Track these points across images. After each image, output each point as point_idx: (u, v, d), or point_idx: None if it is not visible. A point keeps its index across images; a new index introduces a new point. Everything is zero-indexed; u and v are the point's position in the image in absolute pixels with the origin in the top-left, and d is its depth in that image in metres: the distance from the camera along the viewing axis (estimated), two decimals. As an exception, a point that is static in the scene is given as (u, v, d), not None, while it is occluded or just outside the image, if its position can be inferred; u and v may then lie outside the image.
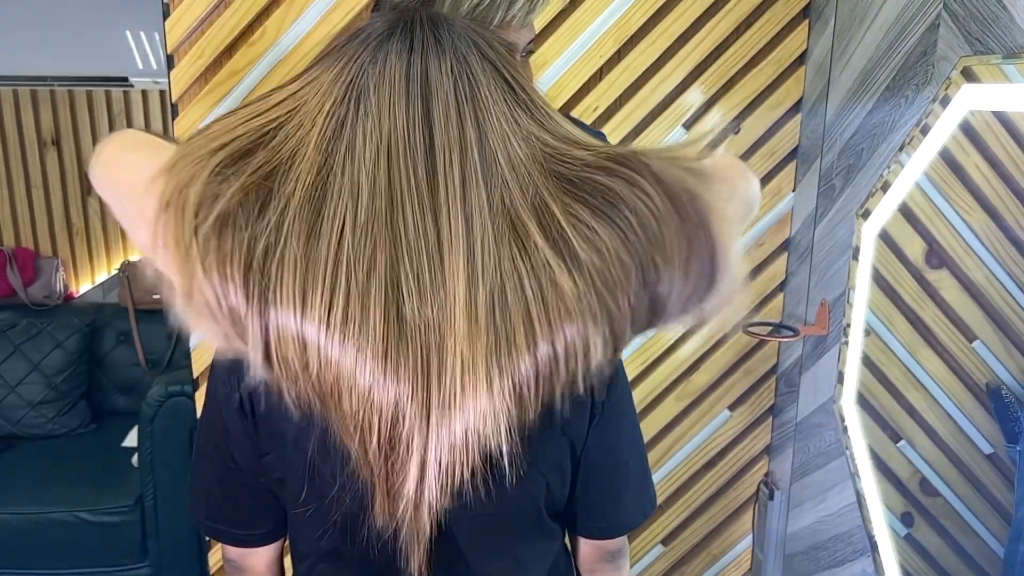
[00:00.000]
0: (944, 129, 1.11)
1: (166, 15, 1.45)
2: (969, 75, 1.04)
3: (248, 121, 0.61)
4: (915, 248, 1.22)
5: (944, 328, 1.19)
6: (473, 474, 0.57)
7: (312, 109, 0.60)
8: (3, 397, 2.61)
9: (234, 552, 0.81)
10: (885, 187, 1.23)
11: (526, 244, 0.57)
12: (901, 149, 1.19)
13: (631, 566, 1.61)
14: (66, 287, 2.95)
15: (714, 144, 1.63)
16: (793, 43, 1.58)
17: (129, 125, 2.85)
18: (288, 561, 0.83)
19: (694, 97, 1.60)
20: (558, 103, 1.57)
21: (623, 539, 0.84)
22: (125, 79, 2.63)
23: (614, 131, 1.60)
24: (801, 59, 1.60)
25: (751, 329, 1.64)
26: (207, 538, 1.77)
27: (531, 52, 0.87)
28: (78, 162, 2.90)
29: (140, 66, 2.62)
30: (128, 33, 2.58)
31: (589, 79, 1.57)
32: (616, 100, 1.59)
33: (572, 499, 0.79)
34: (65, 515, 2.24)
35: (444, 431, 0.55)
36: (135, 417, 2.24)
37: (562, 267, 0.55)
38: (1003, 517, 1.12)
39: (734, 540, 1.87)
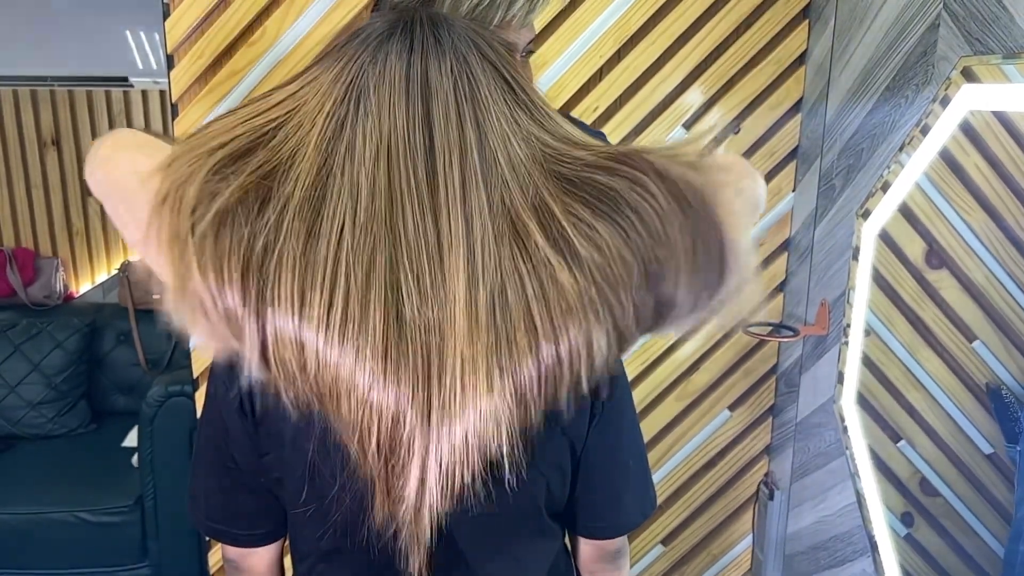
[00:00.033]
0: (944, 129, 1.11)
1: (166, 15, 1.45)
2: (969, 75, 1.04)
3: (247, 121, 0.61)
4: (915, 248, 1.22)
5: (944, 328, 1.19)
6: (474, 477, 0.56)
7: (312, 109, 0.60)
8: (3, 397, 2.61)
9: (234, 552, 0.81)
10: (885, 187, 1.23)
11: (526, 244, 0.56)
12: (901, 149, 1.19)
13: (631, 566, 1.61)
14: (66, 287, 2.95)
15: (715, 143, 1.63)
16: (793, 43, 1.58)
17: (129, 125, 2.85)
18: (288, 561, 0.83)
19: (694, 97, 1.60)
20: (558, 103, 1.57)
21: (623, 539, 0.84)
22: (125, 79, 2.63)
23: (614, 131, 1.60)
24: (801, 59, 1.60)
25: (751, 329, 1.64)
26: (207, 538, 1.77)
27: (531, 52, 0.87)
28: (78, 162, 2.90)
29: (140, 66, 2.62)
30: (128, 33, 2.58)
31: (589, 79, 1.57)
32: (616, 100, 1.59)
33: (572, 499, 0.79)
34: (65, 515, 2.24)
35: (445, 433, 0.54)
36: (135, 417, 2.24)
37: (562, 264, 0.55)
38: (1003, 517, 1.12)
39: (734, 540, 1.87)
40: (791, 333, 1.57)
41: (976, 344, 1.15)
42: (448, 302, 0.55)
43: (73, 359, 2.67)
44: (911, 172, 1.18)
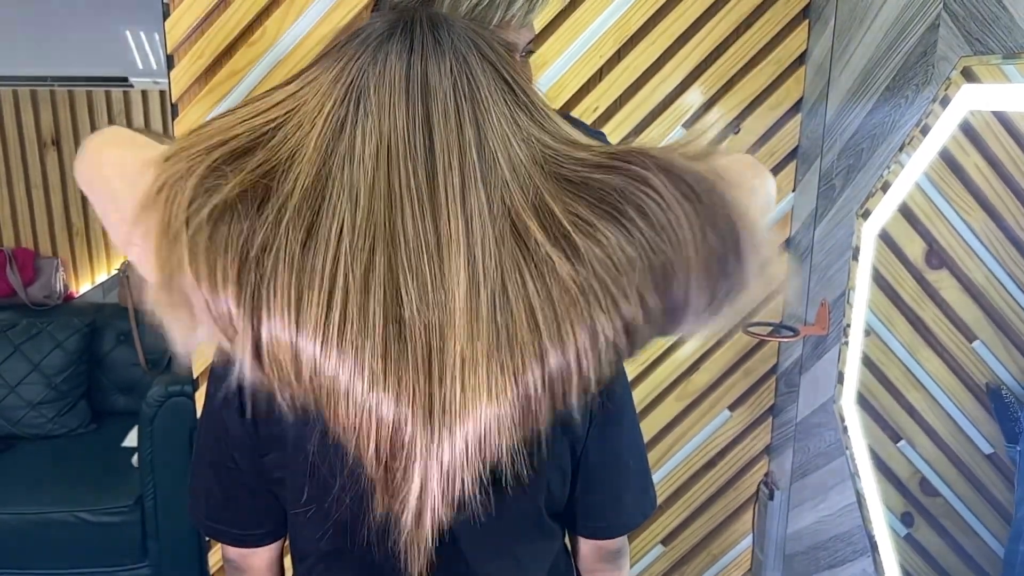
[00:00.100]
0: (944, 129, 1.11)
1: (166, 15, 1.45)
2: (969, 75, 1.04)
3: (247, 120, 0.61)
4: (915, 248, 1.22)
5: (944, 328, 1.19)
6: (476, 480, 0.55)
7: (312, 110, 0.60)
8: (3, 397, 2.61)
9: (234, 552, 0.81)
10: (885, 187, 1.23)
11: (527, 243, 0.56)
12: (901, 149, 1.19)
13: (631, 566, 1.61)
14: (66, 287, 2.95)
15: (716, 142, 1.63)
16: (793, 43, 1.58)
17: (129, 125, 2.84)
18: (288, 561, 0.83)
19: (694, 97, 1.60)
20: (558, 103, 1.57)
21: (623, 539, 0.84)
22: (125, 79, 2.63)
23: (614, 131, 1.60)
24: (801, 59, 1.60)
25: (751, 329, 1.63)
26: (207, 538, 1.77)
27: (531, 52, 0.87)
28: (78, 162, 2.90)
29: (140, 66, 2.62)
30: (128, 33, 2.59)
31: (589, 79, 1.57)
32: (616, 100, 1.59)
33: (572, 499, 0.79)
34: (65, 515, 2.24)
35: (447, 435, 0.53)
36: (135, 417, 2.24)
37: (563, 259, 0.54)
38: (1003, 517, 1.12)
39: (734, 540, 1.87)
40: (791, 333, 1.57)
41: (976, 344, 1.15)
42: (448, 303, 0.54)
43: (73, 359, 2.67)
44: (911, 172, 1.18)
